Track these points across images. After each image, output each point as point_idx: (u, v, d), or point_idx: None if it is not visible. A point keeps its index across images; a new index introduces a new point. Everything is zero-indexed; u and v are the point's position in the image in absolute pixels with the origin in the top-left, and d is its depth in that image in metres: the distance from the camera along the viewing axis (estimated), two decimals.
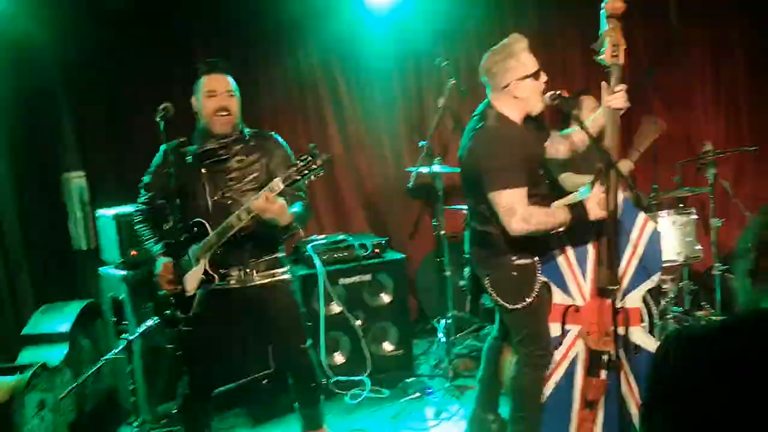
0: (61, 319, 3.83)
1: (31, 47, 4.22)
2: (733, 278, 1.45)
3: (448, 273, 4.45)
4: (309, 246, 4.22)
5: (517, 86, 2.84)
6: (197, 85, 3.06)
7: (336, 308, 4.13)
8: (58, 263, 4.42)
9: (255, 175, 3.07)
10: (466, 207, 3.17)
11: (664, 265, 4.08)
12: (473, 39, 5.17)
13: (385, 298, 4.30)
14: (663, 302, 4.29)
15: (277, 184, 2.79)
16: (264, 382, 3.96)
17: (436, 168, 4.38)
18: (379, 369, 4.19)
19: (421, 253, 5.23)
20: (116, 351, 3.55)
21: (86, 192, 4.47)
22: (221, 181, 3.04)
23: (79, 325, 3.85)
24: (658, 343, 3.16)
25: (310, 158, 2.76)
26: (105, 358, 3.60)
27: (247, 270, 3.07)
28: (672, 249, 4.14)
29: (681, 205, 4.40)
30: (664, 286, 4.31)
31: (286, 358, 3.25)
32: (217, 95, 3.00)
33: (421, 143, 4.44)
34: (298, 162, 2.77)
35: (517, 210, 2.75)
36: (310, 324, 3.95)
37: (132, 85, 4.48)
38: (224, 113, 3.01)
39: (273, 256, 3.14)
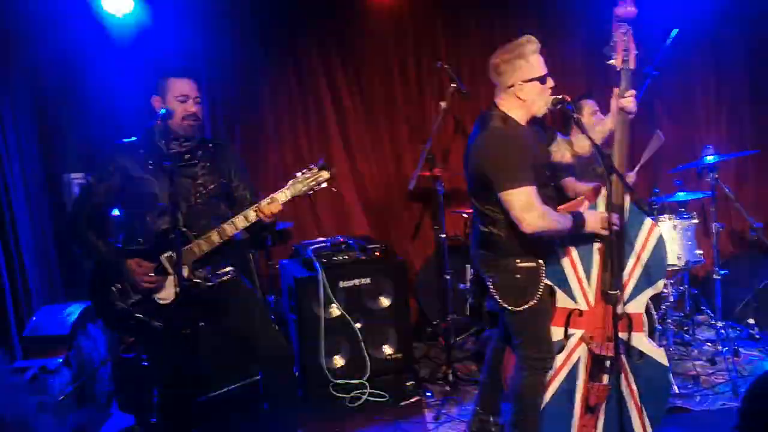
0: (61, 320, 3.81)
1: (37, 46, 4.22)
2: None
3: (448, 276, 4.44)
4: (309, 249, 4.21)
5: (522, 88, 2.84)
6: (163, 85, 2.97)
7: (336, 311, 4.12)
8: (60, 264, 4.40)
9: (219, 182, 3.06)
10: (470, 209, 3.16)
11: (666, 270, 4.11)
12: (476, 42, 5.17)
13: (385, 301, 4.28)
14: (663, 307, 4.29)
15: (286, 194, 2.85)
16: (246, 389, 3.94)
17: (437, 171, 4.37)
18: (379, 372, 4.17)
19: (422, 257, 5.23)
20: (116, 353, 3.54)
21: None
22: (190, 187, 3.00)
23: (79, 327, 3.83)
24: (660, 349, 3.16)
25: (315, 171, 2.79)
26: (104, 360, 3.59)
27: (210, 269, 3.04)
28: (673, 253, 4.14)
29: (682, 209, 4.40)
30: (665, 291, 4.31)
31: (256, 349, 3.15)
32: (188, 100, 2.96)
33: (422, 146, 4.44)
34: (304, 172, 2.79)
35: (534, 206, 2.74)
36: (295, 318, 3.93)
37: (136, 86, 4.47)
38: (194, 119, 2.97)
39: (222, 257, 3.10)
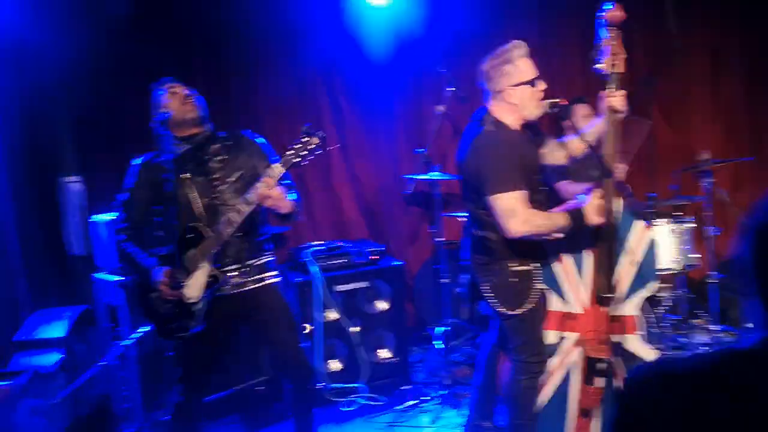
0: (56, 324, 3.81)
1: (31, 49, 4.22)
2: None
3: (445, 280, 4.44)
4: (306, 253, 4.21)
5: (511, 92, 2.85)
6: (155, 99, 3.00)
7: (333, 315, 4.12)
8: (54, 269, 4.40)
9: (240, 172, 3.02)
10: (465, 213, 3.16)
11: (661, 273, 4.12)
12: (473, 46, 5.17)
13: (382, 305, 4.28)
14: (659, 310, 4.29)
15: (278, 168, 2.76)
16: (260, 388, 3.95)
17: (434, 175, 4.38)
18: (376, 376, 4.17)
19: (419, 261, 5.23)
20: (111, 357, 3.54)
21: (83, 197, 4.46)
22: (207, 184, 3.00)
23: (74, 331, 3.83)
24: (654, 351, 3.16)
25: (307, 138, 2.75)
26: (99, 364, 3.59)
27: (245, 269, 3.03)
28: (669, 257, 4.15)
29: (678, 213, 4.41)
30: (661, 294, 4.32)
31: (283, 361, 3.19)
32: (178, 91, 2.97)
33: (419, 150, 4.45)
34: (294, 144, 2.75)
35: (517, 212, 2.75)
36: (305, 329, 3.95)
37: (131, 90, 4.48)
38: (190, 99, 2.97)
39: (263, 260, 3.11)
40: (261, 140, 3.17)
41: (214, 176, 3.01)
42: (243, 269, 3.03)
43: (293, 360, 3.14)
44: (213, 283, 2.93)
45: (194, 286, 2.93)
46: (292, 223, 3.13)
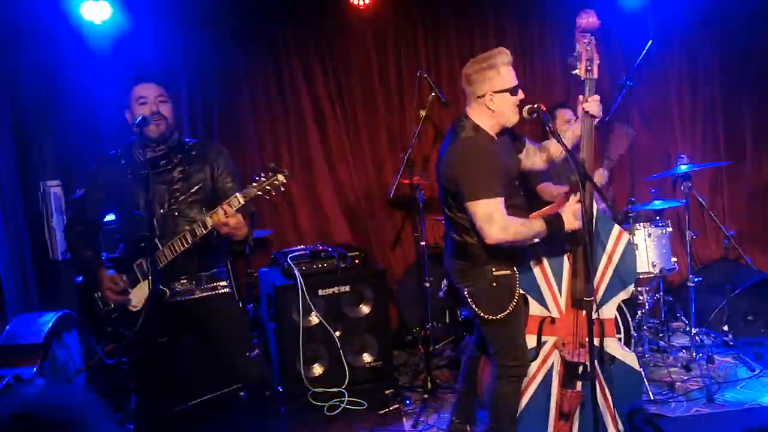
0: (35, 329, 3.77)
1: (11, 51, 4.20)
2: None
3: (428, 284, 4.46)
4: (288, 257, 4.21)
5: (492, 98, 2.88)
6: (126, 98, 3.00)
7: (315, 319, 4.12)
8: (36, 273, 4.36)
9: (199, 185, 3.01)
10: (443, 218, 3.18)
11: (640, 276, 4.17)
12: (456, 52, 5.22)
13: (365, 309, 4.29)
14: (639, 314, 4.33)
15: (237, 199, 2.77)
16: (241, 394, 3.92)
17: (417, 179, 4.40)
18: (358, 380, 4.18)
19: (403, 264, 5.25)
20: (89, 363, 3.52)
21: (63, 201, 4.43)
22: (165, 193, 2.99)
23: (54, 336, 3.79)
24: (632, 353, 3.20)
25: (272, 174, 2.77)
26: (79, 370, 3.56)
27: (191, 285, 3.03)
28: (648, 261, 4.20)
29: (657, 217, 4.46)
30: (640, 298, 4.36)
31: (235, 370, 3.18)
32: (148, 101, 2.95)
33: (402, 154, 4.46)
34: (259, 177, 2.77)
35: (494, 219, 2.77)
36: (255, 334, 3.93)
37: (111, 94, 4.46)
38: (157, 117, 2.94)
39: (215, 270, 3.10)
40: (223, 150, 3.15)
41: (174, 187, 3.00)
42: (193, 279, 3.03)
43: (245, 368, 3.12)
44: (156, 296, 2.91)
45: (138, 296, 2.95)
46: (240, 248, 3.12)
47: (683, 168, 4.32)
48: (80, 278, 3.15)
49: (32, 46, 4.29)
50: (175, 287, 3.00)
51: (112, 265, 3.01)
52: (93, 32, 4.46)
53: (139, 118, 2.88)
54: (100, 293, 2.99)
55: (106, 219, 3.20)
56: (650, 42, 4.08)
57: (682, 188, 4.37)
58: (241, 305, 3.31)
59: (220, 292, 3.10)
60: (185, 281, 3.02)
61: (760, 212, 5.53)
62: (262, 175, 2.80)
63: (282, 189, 2.81)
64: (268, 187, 2.77)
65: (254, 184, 2.79)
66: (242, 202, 2.77)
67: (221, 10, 4.79)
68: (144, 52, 4.60)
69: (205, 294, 3.06)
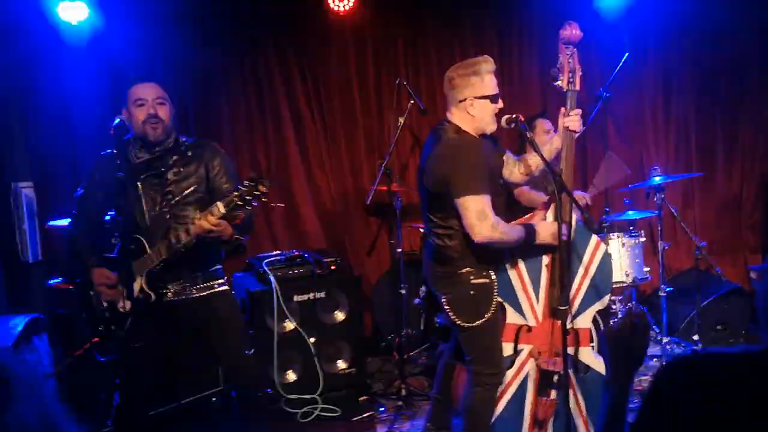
0: (5, 333, 3.70)
1: None
2: None
3: (403, 291, 4.46)
4: (263, 262, 4.18)
5: (473, 104, 2.90)
6: (126, 97, 2.97)
7: (289, 325, 4.10)
8: (6, 275, 4.28)
9: (194, 187, 3.00)
10: (424, 224, 3.18)
11: (614, 286, 4.21)
12: (435, 60, 5.25)
13: (340, 315, 4.28)
14: (611, 323, 4.38)
15: (219, 208, 2.76)
16: (213, 400, 3.90)
17: (395, 186, 4.40)
18: (332, 387, 4.16)
19: (378, 271, 5.24)
20: (59, 367, 3.46)
21: (35, 203, 4.36)
22: (158, 195, 2.97)
23: (23, 340, 3.72)
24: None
25: (254, 184, 2.76)
26: (49, 374, 3.50)
27: (187, 284, 3.01)
28: (622, 270, 4.25)
29: (631, 227, 4.52)
30: (613, 307, 4.41)
31: (230, 368, 3.18)
32: (146, 104, 2.92)
33: (379, 161, 4.47)
34: (241, 187, 2.77)
35: (487, 215, 2.78)
36: (252, 333, 3.92)
37: (85, 95, 4.41)
38: (155, 121, 2.92)
39: (210, 269, 3.09)
40: (220, 149, 3.14)
41: (167, 189, 2.98)
42: (188, 280, 3.02)
43: (240, 368, 3.12)
44: (143, 299, 2.91)
45: (126, 296, 2.93)
46: (229, 246, 3.11)
47: (656, 179, 4.39)
48: (59, 280, 3.12)
49: (7, 46, 4.22)
50: (168, 288, 2.98)
51: (107, 266, 2.99)
52: (70, 33, 4.42)
53: (116, 121, 2.85)
54: (94, 291, 2.98)
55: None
56: (627, 54, 4.13)
57: (655, 199, 4.44)
58: (238, 303, 3.28)
59: (217, 290, 3.08)
60: (175, 283, 3.00)
61: (730, 224, 5.63)
62: (243, 185, 2.79)
63: (264, 199, 2.79)
64: (248, 197, 2.77)
65: (235, 193, 2.78)
66: (223, 211, 2.76)
67: (200, 13, 4.75)
68: (121, 52, 4.55)
69: (202, 293, 3.04)
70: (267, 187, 2.75)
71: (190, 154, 3.04)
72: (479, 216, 2.77)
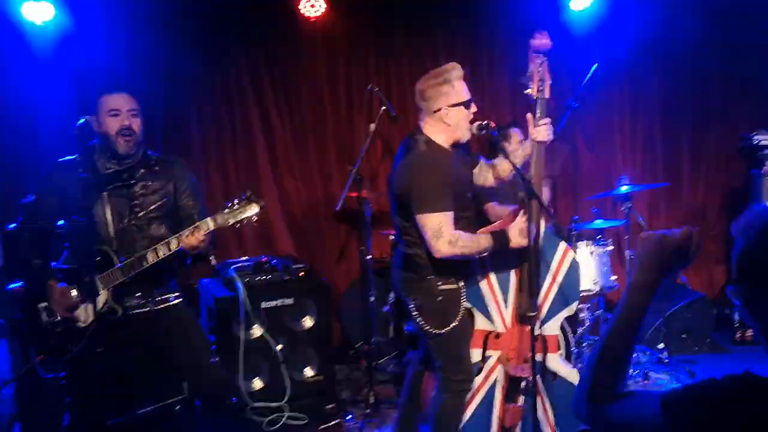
0: None
1: None
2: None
3: (372, 298, 4.43)
4: (231, 268, 4.12)
5: (448, 112, 2.90)
6: (97, 104, 2.92)
7: (257, 332, 4.03)
8: None
9: (161, 202, 2.98)
10: (394, 231, 3.18)
11: (582, 294, 4.24)
12: (406, 67, 5.25)
13: (308, 322, 4.23)
14: (579, 330, 4.41)
15: (207, 224, 2.74)
16: (177, 408, 3.81)
17: (365, 193, 4.38)
18: (299, 395, 4.10)
19: (347, 278, 5.20)
20: (17, 375, 3.36)
21: None
22: (126, 207, 2.93)
23: None
24: (573, 369, 3.24)
25: (246, 203, 2.72)
26: (7, 381, 3.39)
27: (144, 299, 2.97)
28: (589, 278, 4.28)
29: (599, 236, 4.56)
30: (581, 315, 4.44)
31: (195, 379, 3.13)
32: (120, 114, 2.88)
33: (350, 167, 4.45)
34: (233, 204, 2.72)
35: (443, 233, 2.78)
36: (215, 341, 3.86)
37: (50, 99, 4.32)
38: (128, 133, 2.89)
39: (165, 283, 3.06)
40: (187, 167, 3.13)
41: (135, 201, 2.94)
42: (145, 295, 2.98)
43: (202, 378, 3.07)
44: (108, 313, 2.85)
45: (89, 310, 2.85)
46: (200, 260, 3.09)
47: (624, 189, 4.44)
48: (19, 284, 3.04)
49: None
50: (128, 303, 2.93)
51: (63, 276, 2.90)
52: (34, 33, 4.32)
53: (81, 121, 2.79)
54: (47, 304, 2.87)
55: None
56: (595, 65, 4.18)
57: (622, 208, 4.48)
58: (194, 313, 3.24)
59: (172, 303, 3.05)
60: (137, 296, 2.96)
61: None
62: (236, 201, 2.75)
63: (254, 223, 2.76)
64: (240, 216, 2.73)
65: (227, 210, 2.74)
66: (212, 227, 2.73)
67: (169, 17, 4.68)
68: (88, 55, 4.45)
69: (158, 307, 3.00)
70: (261, 209, 2.73)
71: (157, 168, 3.01)
72: (435, 234, 2.79)
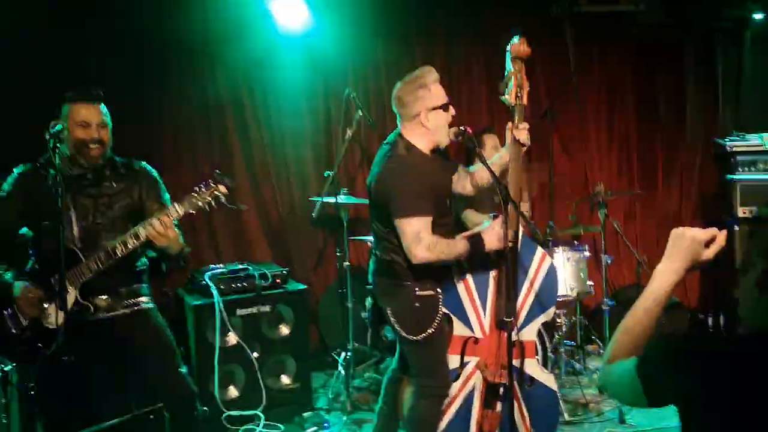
0: None
1: None
2: (740, 291, 1.47)
3: (350, 304, 4.41)
4: (206, 275, 4.07)
5: (427, 116, 2.89)
6: (65, 111, 2.89)
7: (232, 339, 3.98)
8: None
9: (126, 202, 2.96)
10: (371, 236, 3.16)
11: (558, 299, 4.25)
12: (383, 71, 5.24)
13: (285, 329, 4.19)
14: (556, 336, 4.42)
15: (175, 209, 2.69)
16: (151, 417, 3.73)
17: (342, 198, 4.36)
18: (275, 403, 4.05)
19: (325, 284, 5.17)
20: None
21: None
22: (90, 207, 2.90)
23: None
24: (551, 375, 3.24)
25: (214, 184, 2.68)
26: None
27: (113, 301, 2.93)
28: (566, 284, 4.30)
29: (575, 242, 4.58)
30: (558, 320, 4.45)
31: (161, 387, 3.06)
32: (90, 126, 2.87)
33: (327, 173, 4.43)
34: (200, 187, 2.68)
35: (422, 238, 2.77)
36: (182, 350, 3.80)
37: (21, 100, 4.23)
38: (97, 145, 2.88)
39: (135, 285, 3.03)
40: (156, 175, 3.11)
41: (100, 201, 2.91)
42: (113, 296, 2.94)
43: (171, 386, 3.02)
44: (77, 312, 2.80)
45: (57, 311, 2.78)
46: (176, 264, 3.05)
47: (600, 195, 4.46)
48: None
49: None
50: (96, 303, 2.88)
51: (28, 279, 2.85)
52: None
53: (58, 128, 2.73)
54: (10, 310, 2.82)
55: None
56: (572, 72, 4.22)
57: (598, 214, 4.51)
58: (164, 319, 3.18)
59: (142, 307, 3.01)
60: (106, 297, 2.91)
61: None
62: (203, 184, 2.71)
63: (224, 201, 2.72)
64: (208, 198, 2.69)
65: (194, 194, 2.70)
66: (180, 213, 2.69)
67: (148, 18, 4.61)
68: (55, 51, 4.37)
69: (127, 310, 2.97)
70: (229, 188, 2.69)
71: (123, 171, 3.01)
72: (414, 239, 2.78)
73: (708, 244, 1.56)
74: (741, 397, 1.30)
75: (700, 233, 1.56)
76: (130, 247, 2.75)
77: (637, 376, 1.43)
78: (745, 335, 1.42)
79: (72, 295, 2.80)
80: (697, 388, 1.34)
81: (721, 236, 1.55)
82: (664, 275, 1.59)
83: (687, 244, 1.56)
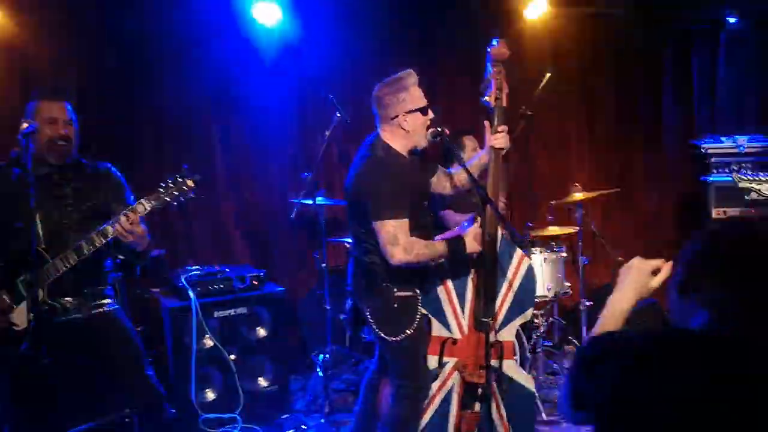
0: None
1: None
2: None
3: (328, 306, 4.39)
4: (183, 277, 4.03)
5: (406, 119, 2.89)
6: (32, 108, 2.89)
7: (209, 342, 3.94)
8: None
9: (91, 204, 2.94)
10: (350, 238, 3.15)
11: (536, 300, 4.27)
12: (361, 73, 5.22)
13: (262, 332, 4.16)
14: (534, 336, 4.43)
15: (143, 205, 2.66)
16: (127, 420, 3.69)
17: (320, 200, 4.34)
18: (253, 405, 4.02)
19: (303, 286, 5.14)
20: None
21: None
22: (56, 208, 2.88)
23: None
24: (529, 375, 3.24)
25: (181, 180, 2.65)
26: None
27: (80, 300, 2.90)
28: (544, 285, 4.31)
29: (553, 242, 4.60)
30: (536, 321, 4.47)
31: (128, 389, 3.03)
32: (58, 123, 2.87)
33: (305, 174, 4.41)
34: (168, 183, 2.66)
35: (399, 240, 2.77)
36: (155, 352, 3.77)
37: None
38: (63, 143, 2.87)
39: (100, 287, 3.00)
40: (120, 177, 3.10)
41: (66, 203, 2.89)
42: (79, 297, 2.91)
43: (138, 388, 3.00)
44: (45, 312, 2.76)
45: (23, 313, 2.76)
46: (143, 262, 3.02)
47: (577, 196, 4.49)
48: None
49: None
50: (62, 304, 2.85)
51: None
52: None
53: (29, 129, 2.69)
54: None
55: None
56: (548, 74, 4.24)
57: (576, 215, 4.54)
58: (131, 323, 3.14)
59: (107, 309, 2.98)
60: (71, 299, 2.88)
61: (648, 241, 5.83)
62: (170, 180, 2.69)
63: (192, 196, 2.70)
64: (176, 193, 2.67)
65: (161, 190, 2.68)
66: (147, 208, 2.66)
67: (127, 17, 4.56)
68: (34, 51, 4.30)
69: (92, 312, 2.93)
70: (196, 183, 2.67)
71: (89, 172, 3.00)
72: (391, 241, 2.78)
73: (655, 272, 1.65)
74: (644, 403, 1.29)
75: (646, 264, 1.66)
76: (97, 245, 2.73)
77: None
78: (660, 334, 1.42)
79: (41, 294, 2.76)
80: (606, 396, 1.34)
81: (667, 267, 1.63)
82: (616, 305, 1.68)
83: (634, 275, 1.66)
